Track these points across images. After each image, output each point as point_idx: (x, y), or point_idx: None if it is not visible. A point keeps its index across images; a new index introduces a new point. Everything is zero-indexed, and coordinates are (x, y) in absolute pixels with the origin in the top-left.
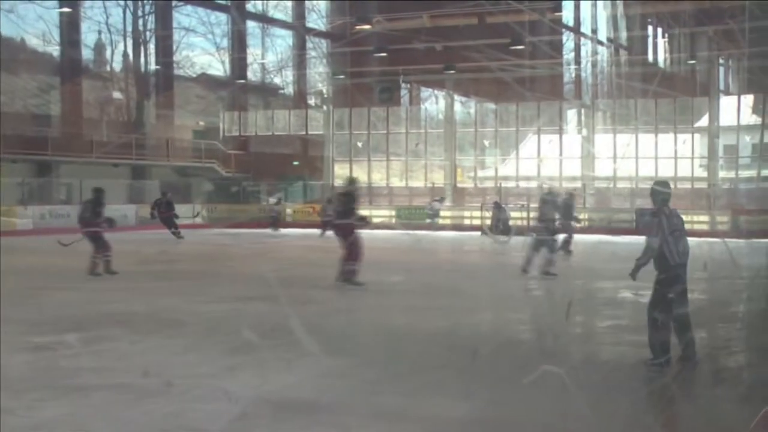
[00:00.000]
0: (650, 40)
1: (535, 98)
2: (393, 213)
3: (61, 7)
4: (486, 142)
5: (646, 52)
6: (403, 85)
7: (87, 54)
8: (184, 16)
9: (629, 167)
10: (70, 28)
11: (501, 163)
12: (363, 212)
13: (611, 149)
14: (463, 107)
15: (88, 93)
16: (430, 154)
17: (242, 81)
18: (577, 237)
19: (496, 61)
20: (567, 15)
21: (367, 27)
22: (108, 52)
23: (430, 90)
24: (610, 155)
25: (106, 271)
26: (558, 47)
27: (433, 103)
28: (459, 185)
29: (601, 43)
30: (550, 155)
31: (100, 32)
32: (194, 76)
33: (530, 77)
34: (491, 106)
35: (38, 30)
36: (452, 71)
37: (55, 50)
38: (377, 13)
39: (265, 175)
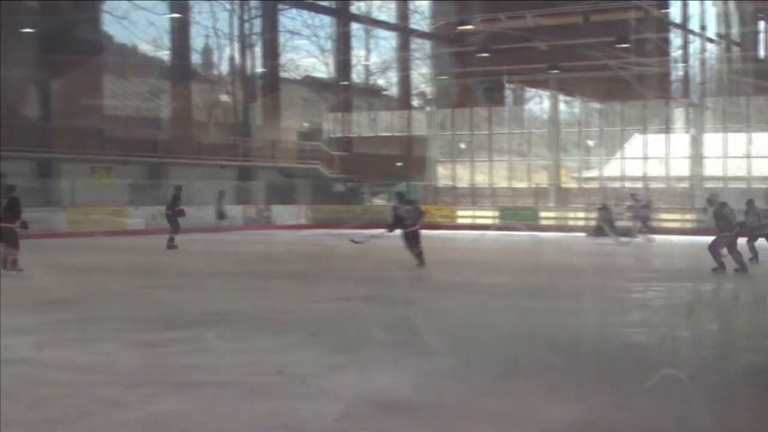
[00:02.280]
0: (762, 36)
1: (642, 97)
2: (496, 214)
3: (171, 12)
4: (590, 142)
5: (756, 49)
6: (506, 85)
7: (195, 58)
8: (288, 19)
9: (741, 166)
10: (179, 33)
11: (605, 163)
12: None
13: (721, 149)
14: (567, 107)
15: (196, 96)
16: (534, 155)
17: (346, 83)
18: (689, 239)
19: (601, 60)
20: (675, 12)
21: (470, 27)
22: (215, 56)
23: (534, 90)
24: (720, 155)
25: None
26: (665, 45)
27: (537, 103)
28: (563, 186)
29: (710, 40)
30: (656, 155)
31: (207, 36)
32: (299, 78)
33: (637, 76)
34: (596, 105)
35: (149, 35)
36: (556, 71)
37: (165, 55)
38: (480, 13)
39: (368, 176)
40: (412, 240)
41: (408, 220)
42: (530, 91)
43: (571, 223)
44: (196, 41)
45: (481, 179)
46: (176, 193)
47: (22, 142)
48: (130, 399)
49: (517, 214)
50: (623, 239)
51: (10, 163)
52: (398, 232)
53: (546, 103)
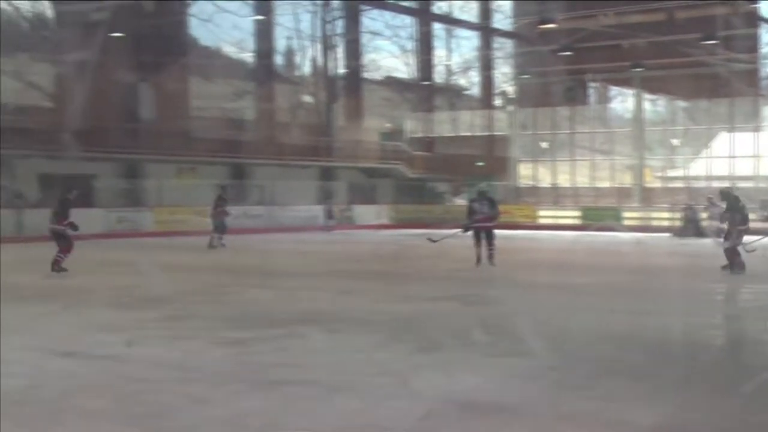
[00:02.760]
0: None
1: (729, 94)
2: (578, 214)
3: (255, 15)
4: (675, 141)
5: None
6: (589, 83)
7: (278, 60)
8: (370, 20)
9: None
10: (263, 35)
11: (691, 162)
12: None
13: None
14: (652, 105)
15: (279, 97)
16: (617, 154)
17: (427, 83)
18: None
19: (688, 57)
20: (765, 7)
21: (552, 26)
22: (298, 58)
23: (618, 88)
24: None
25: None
26: (754, 41)
27: (621, 101)
28: (647, 185)
29: None
30: (744, 154)
31: (290, 38)
32: (380, 79)
33: (725, 72)
34: (681, 103)
35: (234, 38)
36: (641, 69)
37: (248, 57)
38: (563, 11)
39: (449, 176)
40: (485, 237)
41: (479, 215)
42: (614, 90)
43: (655, 223)
44: (279, 43)
45: (563, 179)
46: (221, 193)
47: (111, 144)
48: (215, 396)
49: (600, 214)
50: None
51: (99, 165)
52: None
53: (630, 102)
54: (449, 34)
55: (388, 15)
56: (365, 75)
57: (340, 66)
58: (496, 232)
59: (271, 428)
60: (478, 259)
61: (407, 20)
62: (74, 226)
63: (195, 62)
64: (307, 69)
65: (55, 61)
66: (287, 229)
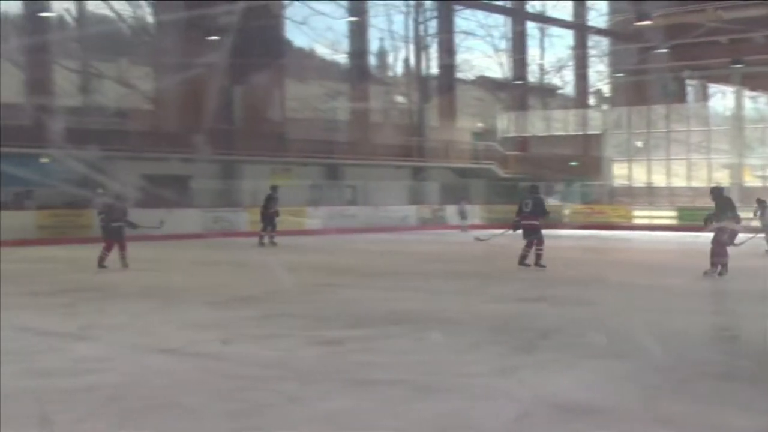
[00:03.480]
0: None
1: None
2: (674, 214)
3: (348, 16)
4: None
5: None
6: (687, 81)
7: (371, 60)
8: (463, 20)
9: None
10: (356, 36)
11: None
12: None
13: None
14: (752, 102)
15: (372, 98)
16: (714, 153)
17: (521, 82)
18: None
19: None
20: None
21: (648, 23)
22: (390, 58)
23: (716, 86)
24: None
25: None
26: None
27: (719, 99)
28: (746, 185)
29: None
30: None
31: (382, 39)
32: (473, 78)
33: None
34: None
35: (327, 39)
36: (740, 65)
37: (342, 58)
38: (659, 8)
39: (542, 176)
40: (531, 235)
41: (525, 212)
42: (713, 87)
43: (754, 223)
44: (373, 44)
45: (658, 179)
46: (272, 193)
47: (210, 145)
48: (308, 394)
49: (696, 215)
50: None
51: (196, 166)
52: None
53: (729, 99)
54: (543, 33)
55: (480, 14)
56: (458, 75)
57: (432, 66)
58: (567, 232)
59: (362, 429)
60: (521, 259)
61: (500, 19)
62: (133, 225)
63: (289, 64)
64: (399, 69)
65: (156, 65)
66: (380, 229)
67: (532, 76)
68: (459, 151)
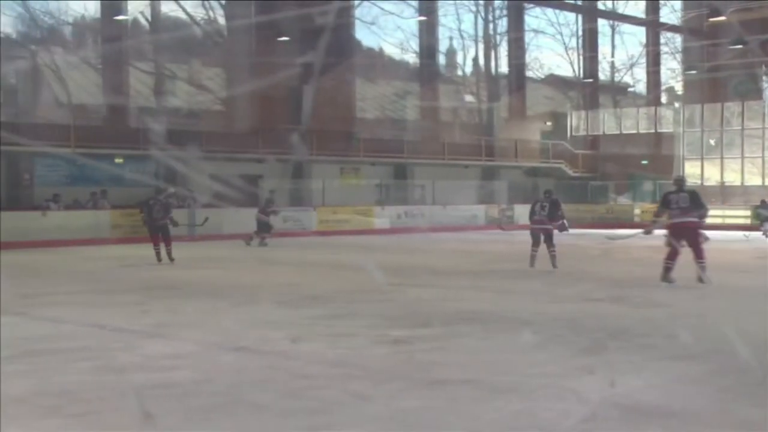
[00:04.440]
0: None
1: None
2: (748, 213)
3: (418, 16)
4: None
5: None
6: (763, 77)
7: (440, 59)
8: (532, 18)
9: None
10: (426, 36)
11: None
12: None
13: None
14: None
15: (441, 97)
16: None
17: (590, 80)
18: None
19: None
20: None
21: (722, 19)
22: (460, 57)
23: None
24: None
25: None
26: None
27: None
28: None
29: None
30: None
31: (451, 38)
32: (543, 77)
33: None
34: None
35: (396, 39)
36: None
37: (411, 57)
38: (733, 3)
39: (613, 175)
40: (545, 240)
41: (537, 216)
42: None
43: None
44: (442, 43)
45: (732, 177)
46: (269, 196)
47: (279, 145)
48: (377, 393)
49: None
50: None
51: (268, 165)
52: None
53: None
54: (614, 30)
55: (551, 12)
56: (528, 73)
57: (502, 65)
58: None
59: (432, 428)
60: (532, 261)
61: (570, 17)
62: (174, 222)
63: (359, 63)
64: (469, 68)
65: (228, 66)
66: (449, 228)
67: (603, 73)
68: (528, 150)
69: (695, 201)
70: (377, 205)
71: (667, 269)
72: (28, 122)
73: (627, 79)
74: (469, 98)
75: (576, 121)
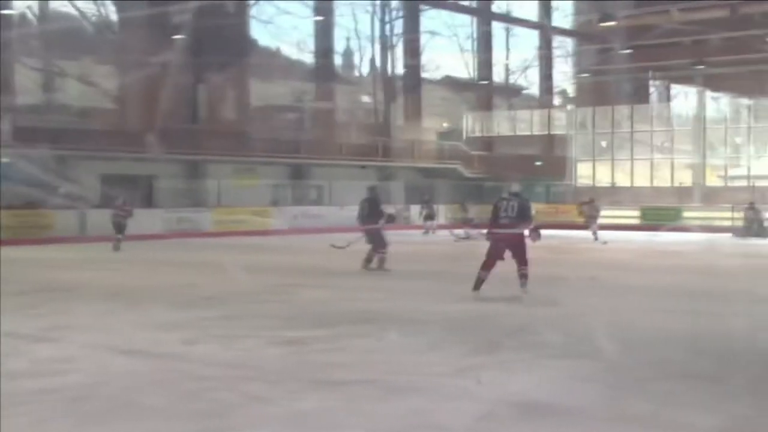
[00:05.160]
0: None
1: None
2: (638, 213)
3: (314, 16)
4: (738, 140)
5: None
6: (651, 82)
7: (337, 60)
8: (428, 20)
9: None
10: (322, 36)
11: (755, 161)
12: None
13: None
14: (714, 103)
15: (338, 97)
16: (678, 153)
17: (486, 82)
18: None
19: (752, 54)
20: None
21: (612, 24)
22: (356, 58)
23: (680, 86)
24: None
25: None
26: None
27: (682, 99)
28: (708, 185)
29: None
30: None
31: (348, 38)
32: (439, 78)
33: None
34: (745, 101)
35: (293, 38)
36: (703, 66)
37: (307, 57)
38: (623, 9)
39: (507, 176)
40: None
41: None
42: (675, 88)
43: (716, 223)
44: (338, 43)
45: (622, 179)
46: (125, 198)
47: (172, 145)
48: (274, 395)
49: (660, 214)
50: None
51: (159, 165)
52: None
53: (692, 100)
54: (508, 33)
55: (446, 14)
56: (424, 74)
57: (398, 66)
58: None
59: (328, 428)
60: (478, 284)
61: (466, 19)
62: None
63: (254, 63)
64: (365, 69)
65: (119, 63)
66: (345, 229)
67: (498, 76)
68: (425, 151)
69: (523, 212)
70: (273, 205)
71: (481, 281)
72: None
73: (521, 81)
74: (365, 99)
75: (471, 123)
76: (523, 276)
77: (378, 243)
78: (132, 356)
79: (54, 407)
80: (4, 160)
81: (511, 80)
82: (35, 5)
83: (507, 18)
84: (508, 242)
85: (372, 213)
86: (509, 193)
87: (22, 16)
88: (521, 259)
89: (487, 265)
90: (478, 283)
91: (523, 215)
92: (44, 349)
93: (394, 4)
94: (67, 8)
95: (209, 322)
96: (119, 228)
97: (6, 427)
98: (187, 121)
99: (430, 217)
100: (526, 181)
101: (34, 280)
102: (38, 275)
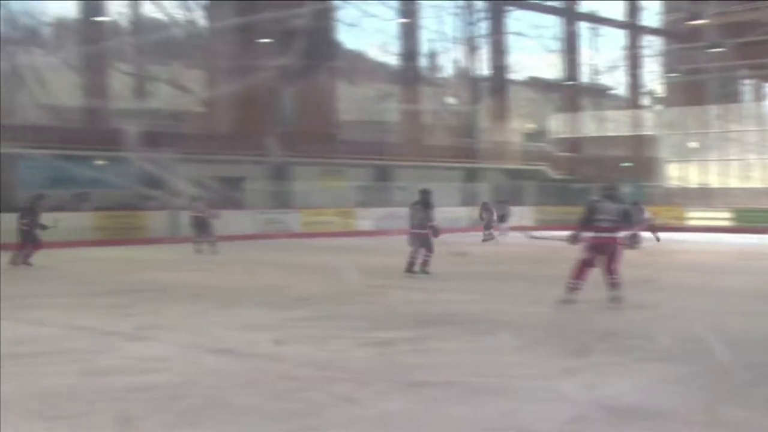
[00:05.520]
0: None
1: None
2: (729, 215)
3: (399, 18)
4: None
5: None
6: (743, 80)
7: (422, 62)
8: (514, 21)
9: None
10: (407, 38)
11: None
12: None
13: None
14: None
15: (423, 99)
16: None
17: (572, 82)
18: None
19: None
20: None
21: (703, 22)
22: (441, 59)
23: None
24: None
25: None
26: None
27: None
28: None
29: None
30: None
31: (433, 40)
32: (524, 79)
33: None
34: None
35: (378, 41)
36: None
37: (392, 59)
38: (713, 6)
39: (594, 177)
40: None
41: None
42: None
43: None
44: (423, 45)
45: (713, 179)
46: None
47: (261, 148)
48: (362, 395)
49: (754, 216)
50: None
51: (248, 167)
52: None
53: None
54: (595, 33)
55: (532, 15)
56: (509, 76)
57: (484, 67)
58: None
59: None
60: (569, 295)
61: (552, 20)
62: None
63: (340, 66)
64: (450, 71)
65: (209, 68)
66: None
67: (584, 76)
68: (510, 153)
69: (627, 215)
70: (359, 206)
71: (573, 289)
72: (8, 124)
73: (608, 81)
74: (450, 100)
75: (557, 124)
76: (615, 285)
77: (426, 246)
78: (223, 356)
79: (145, 405)
80: (100, 162)
81: (598, 81)
82: (129, 13)
83: (593, 18)
84: (604, 248)
85: (424, 217)
86: (604, 194)
87: (116, 24)
88: (614, 267)
89: (581, 273)
90: (570, 293)
91: (627, 219)
92: (136, 348)
93: (479, 5)
94: (158, 14)
95: (300, 322)
96: (200, 229)
97: (97, 422)
98: (275, 124)
99: (502, 219)
100: (616, 182)
101: (126, 280)
102: (131, 275)
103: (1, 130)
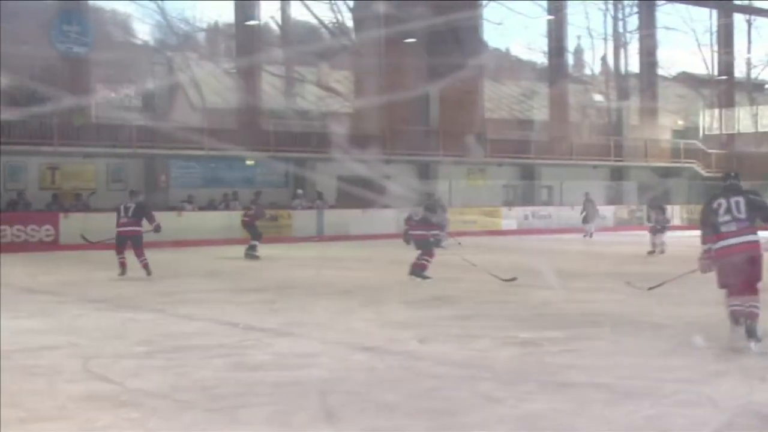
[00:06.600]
0: None
1: None
2: None
3: (546, 15)
4: None
5: None
6: None
7: (568, 59)
8: (664, 15)
9: None
10: (554, 35)
11: None
12: None
13: None
14: None
15: (570, 96)
16: None
17: (725, 77)
18: None
19: None
20: None
21: None
22: (588, 56)
23: None
24: None
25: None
26: None
27: None
28: None
29: None
30: None
31: (579, 37)
32: (674, 75)
33: None
34: None
35: (523, 38)
36: None
37: (538, 57)
38: None
39: (749, 175)
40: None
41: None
42: None
43: None
44: (570, 42)
45: None
46: (255, 198)
47: (406, 146)
48: (506, 395)
49: None
50: None
51: (394, 166)
52: None
53: None
54: (750, 25)
55: (682, 8)
56: (659, 71)
57: (632, 63)
58: None
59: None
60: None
61: (704, 13)
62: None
63: (486, 64)
64: (597, 67)
65: (355, 68)
66: (576, 230)
67: (739, 71)
68: (658, 150)
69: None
70: (504, 205)
71: (737, 314)
72: (164, 126)
73: (764, 75)
74: (598, 97)
75: (709, 120)
76: (753, 315)
77: (425, 250)
78: (369, 353)
79: (296, 400)
80: (250, 162)
81: (753, 75)
82: (278, 15)
83: (749, 9)
84: (737, 257)
85: (423, 220)
86: (725, 187)
87: (266, 26)
88: (750, 288)
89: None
90: (735, 320)
91: (762, 212)
92: (285, 344)
93: (627, 1)
94: (307, 17)
95: (443, 321)
96: (253, 233)
97: (247, 415)
98: (420, 123)
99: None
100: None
101: (274, 277)
102: (278, 273)
103: (156, 132)
